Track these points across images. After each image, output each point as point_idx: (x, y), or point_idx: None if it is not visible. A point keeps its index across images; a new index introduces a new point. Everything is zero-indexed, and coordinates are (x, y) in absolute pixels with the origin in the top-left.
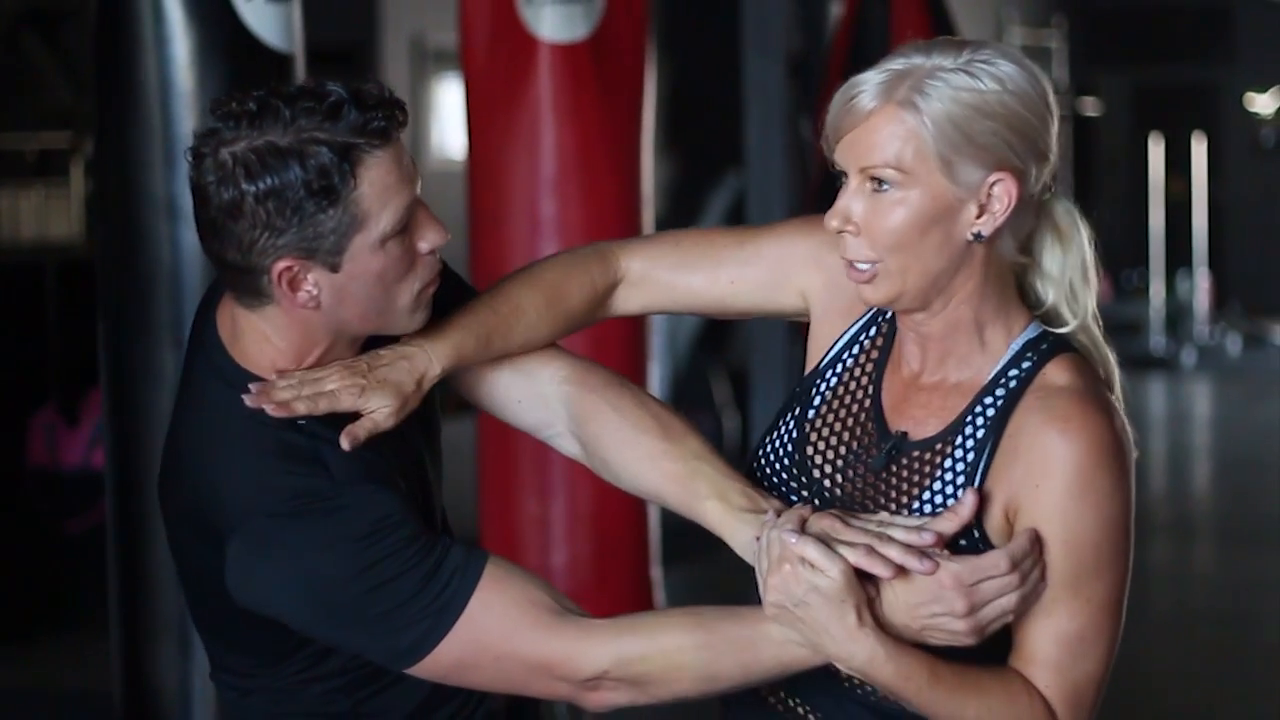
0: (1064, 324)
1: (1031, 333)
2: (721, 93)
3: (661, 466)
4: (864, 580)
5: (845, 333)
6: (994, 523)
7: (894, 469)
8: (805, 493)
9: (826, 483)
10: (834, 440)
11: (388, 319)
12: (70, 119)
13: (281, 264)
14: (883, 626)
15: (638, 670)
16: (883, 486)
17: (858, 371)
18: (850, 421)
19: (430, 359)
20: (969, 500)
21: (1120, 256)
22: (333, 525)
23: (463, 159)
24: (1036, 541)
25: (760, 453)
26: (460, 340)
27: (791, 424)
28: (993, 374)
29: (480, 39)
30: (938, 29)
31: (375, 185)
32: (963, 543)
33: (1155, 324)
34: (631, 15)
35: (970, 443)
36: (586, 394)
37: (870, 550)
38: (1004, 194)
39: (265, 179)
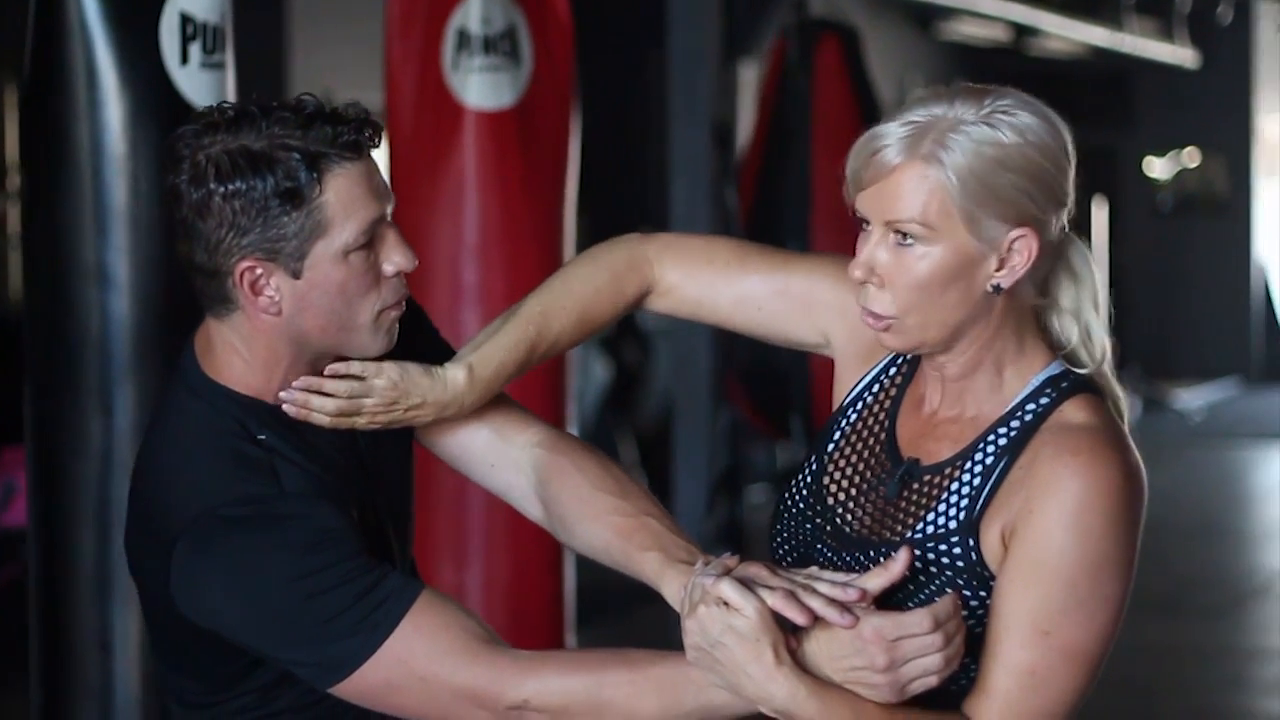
0: (1083, 366)
1: (1053, 370)
2: (643, 156)
3: (611, 521)
4: (788, 630)
5: (867, 374)
6: (991, 549)
7: (905, 494)
8: (819, 520)
9: (840, 510)
10: (849, 470)
11: (348, 335)
12: None
13: (244, 264)
14: (806, 671)
15: (560, 702)
16: (893, 511)
17: (876, 408)
18: (866, 454)
19: (460, 406)
20: (902, 558)
21: None
22: (276, 532)
23: None
24: (960, 606)
25: (786, 493)
26: (494, 389)
27: (813, 461)
28: (1010, 406)
29: (406, 105)
30: (859, 96)
31: (340, 195)
32: (960, 564)
33: None
34: (557, 84)
35: (979, 469)
36: (555, 456)
37: (790, 595)
38: (1024, 249)
39: (234, 180)
